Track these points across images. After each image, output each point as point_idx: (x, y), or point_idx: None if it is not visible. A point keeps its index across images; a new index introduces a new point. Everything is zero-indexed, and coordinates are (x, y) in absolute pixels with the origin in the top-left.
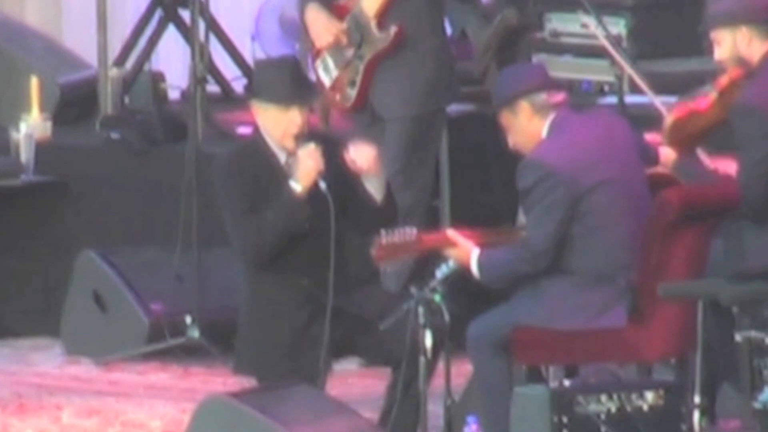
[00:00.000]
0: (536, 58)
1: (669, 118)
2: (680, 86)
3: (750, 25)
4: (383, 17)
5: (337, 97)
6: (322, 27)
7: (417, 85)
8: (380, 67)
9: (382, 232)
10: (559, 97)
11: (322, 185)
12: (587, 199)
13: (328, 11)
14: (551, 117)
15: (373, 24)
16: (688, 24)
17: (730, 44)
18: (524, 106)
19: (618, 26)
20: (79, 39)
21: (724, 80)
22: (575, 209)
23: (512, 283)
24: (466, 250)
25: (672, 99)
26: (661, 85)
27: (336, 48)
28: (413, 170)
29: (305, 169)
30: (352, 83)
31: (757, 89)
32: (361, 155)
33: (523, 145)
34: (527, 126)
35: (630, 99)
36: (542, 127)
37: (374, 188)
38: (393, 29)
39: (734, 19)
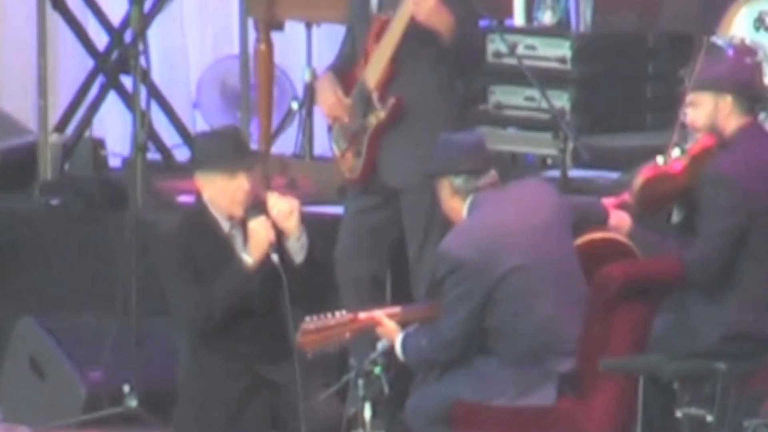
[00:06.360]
0: (479, 131)
1: (639, 178)
2: (623, 161)
3: (735, 96)
4: (384, 89)
5: (345, 167)
6: (328, 101)
7: (424, 151)
8: (387, 136)
9: (306, 318)
10: (486, 180)
11: (275, 257)
12: (501, 287)
13: (341, 81)
14: (471, 197)
15: (375, 96)
16: (632, 99)
17: (710, 109)
18: (445, 184)
19: (562, 100)
20: (19, 103)
21: (696, 146)
22: (490, 297)
23: (430, 367)
24: (391, 332)
25: (614, 174)
26: (604, 160)
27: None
28: (435, 240)
29: (257, 241)
30: (358, 154)
31: (731, 160)
32: (278, 209)
33: (447, 215)
34: (447, 202)
35: (573, 172)
36: (462, 206)
37: (293, 248)
38: (391, 101)
39: (722, 85)
